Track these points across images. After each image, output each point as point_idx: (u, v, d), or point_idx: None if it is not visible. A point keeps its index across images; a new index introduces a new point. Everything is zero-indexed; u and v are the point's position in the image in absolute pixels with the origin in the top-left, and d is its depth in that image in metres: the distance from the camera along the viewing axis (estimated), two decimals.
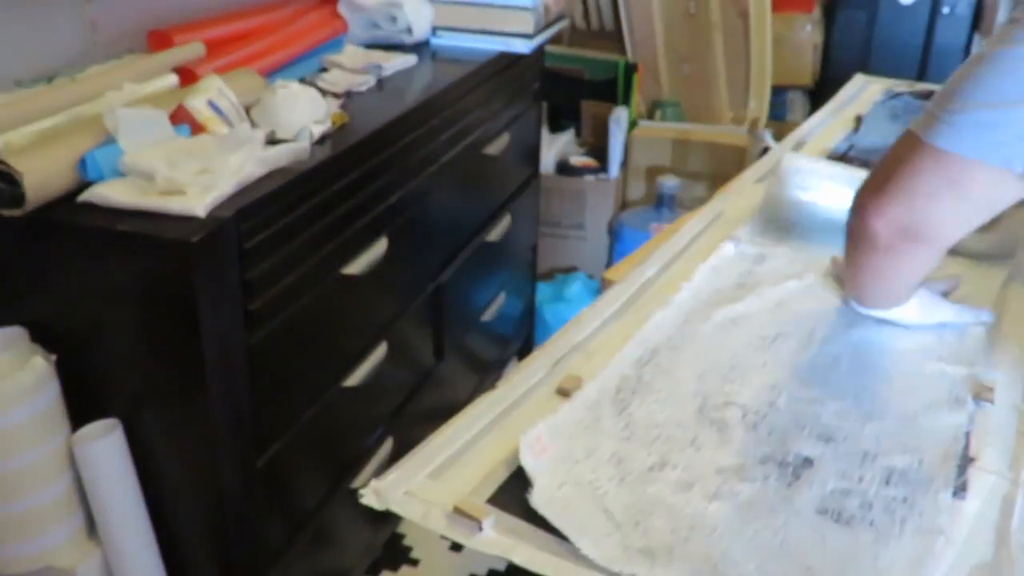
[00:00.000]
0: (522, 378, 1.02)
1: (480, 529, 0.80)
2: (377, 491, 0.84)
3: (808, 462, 0.91)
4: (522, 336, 2.49)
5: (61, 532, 1.23)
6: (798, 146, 1.77)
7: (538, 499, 0.83)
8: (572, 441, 0.92)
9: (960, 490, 0.87)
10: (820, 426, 0.96)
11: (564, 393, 0.99)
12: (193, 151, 1.22)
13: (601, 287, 1.27)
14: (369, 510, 0.84)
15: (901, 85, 2.17)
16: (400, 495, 0.84)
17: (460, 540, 0.80)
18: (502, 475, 0.87)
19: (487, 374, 2.21)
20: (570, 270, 2.82)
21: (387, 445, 1.69)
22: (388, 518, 1.80)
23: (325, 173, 1.35)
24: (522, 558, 0.77)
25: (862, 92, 2.13)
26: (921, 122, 0.96)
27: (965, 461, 0.91)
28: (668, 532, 0.81)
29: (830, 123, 1.92)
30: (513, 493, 0.85)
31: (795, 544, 0.80)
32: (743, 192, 1.54)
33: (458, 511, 0.81)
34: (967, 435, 0.95)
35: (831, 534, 0.81)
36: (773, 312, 1.18)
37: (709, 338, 1.12)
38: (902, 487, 0.87)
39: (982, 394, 1.01)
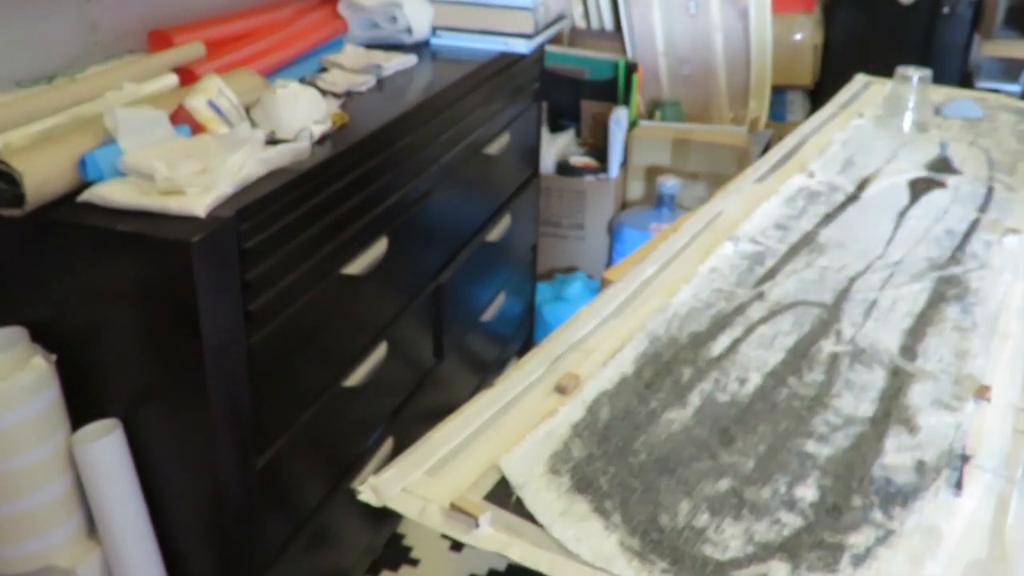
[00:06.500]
0: (520, 376, 1.02)
1: (477, 525, 0.80)
2: (374, 487, 0.84)
3: (810, 462, 0.91)
4: (522, 336, 2.49)
5: (61, 532, 1.23)
6: (798, 146, 1.77)
7: (536, 503, 0.83)
8: (572, 441, 0.92)
9: (956, 488, 0.87)
10: (822, 426, 0.96)
11: (562, 391, 1.00)
12: (193, 151, 1.22)
13: (601, 287, 1.28)
14: (369, 510, 0.84)
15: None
16: (397, 492, 0.84)
17: (457, 536, 0.81)
18: (499, 472, 0.87)
19: (487, 374, 2.21)
20: (570, 270, 2.82)
21: (387, 445, 1.69)
22: (388, 518, 1.80)
23: (325, 173, 1.35)
24: (519, 554, 0.78)
25: (862, 92, 2.14)
26: None
27: (962, 459, 0.91)
28: (669, 532, 0.81)
29: (830, 123, 1.92)
30: (510, 490, 0.85)
31: (797, 544, 0.80)
32: (743, 192, 1.54)
33: (455, 507, 0.82)
34: (964, 433, 0.95)
35: (833, 535, 0.81)
36: (774, 310, 1.18)
37: (710, 337, 1.12)
38: (902, 486, 0.87)
39: (980, 393, 1.01)
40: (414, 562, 1.86)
